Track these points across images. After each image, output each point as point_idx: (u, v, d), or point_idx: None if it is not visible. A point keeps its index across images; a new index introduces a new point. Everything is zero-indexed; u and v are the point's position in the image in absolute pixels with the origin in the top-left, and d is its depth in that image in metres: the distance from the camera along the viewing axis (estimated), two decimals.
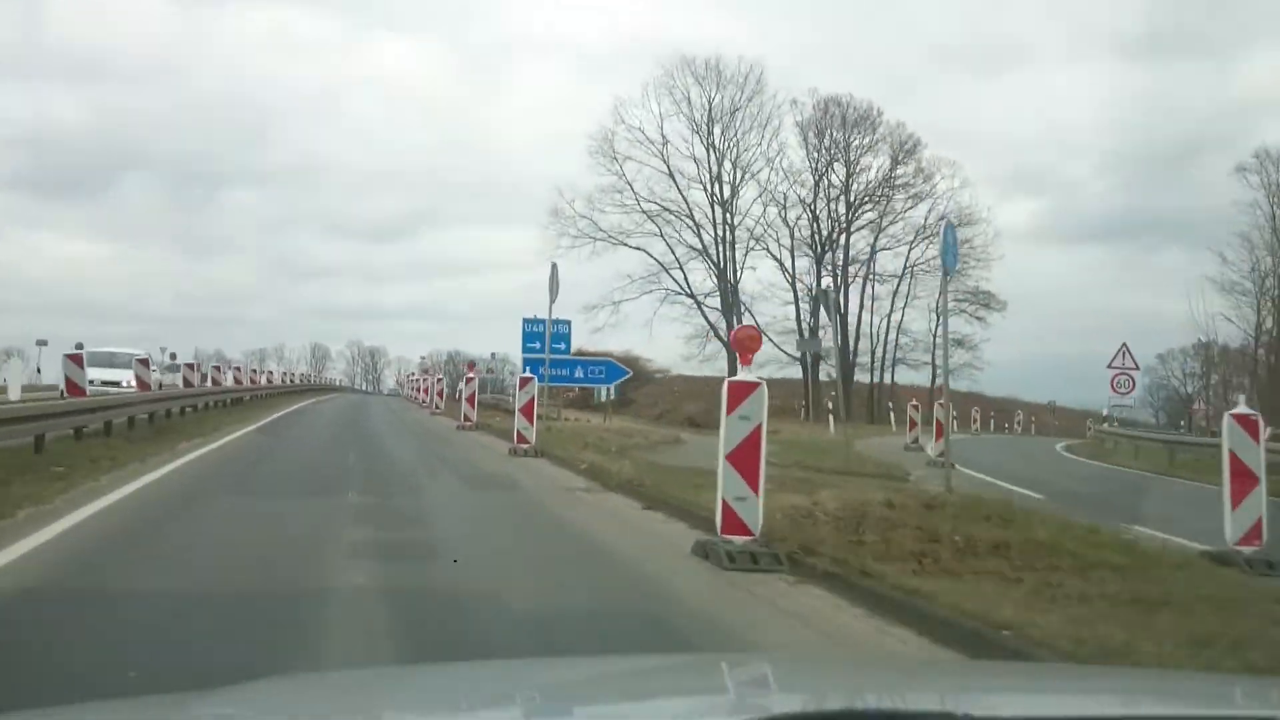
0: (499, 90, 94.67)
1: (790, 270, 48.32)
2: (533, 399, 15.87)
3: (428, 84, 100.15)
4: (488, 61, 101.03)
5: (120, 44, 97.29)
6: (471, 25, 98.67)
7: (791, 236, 48.34)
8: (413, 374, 65.06)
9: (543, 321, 21.35)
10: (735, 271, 47.14)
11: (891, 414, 36.24)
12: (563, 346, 22.77)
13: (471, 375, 23.66)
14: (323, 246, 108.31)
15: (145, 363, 20.90)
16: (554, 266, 18.90)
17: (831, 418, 31.76)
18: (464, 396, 22.96)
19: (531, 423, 15.45)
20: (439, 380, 36.45)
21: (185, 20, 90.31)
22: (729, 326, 45.05)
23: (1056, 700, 1.90)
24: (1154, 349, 50.60)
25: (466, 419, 21.94)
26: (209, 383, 25.94)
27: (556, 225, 45.92)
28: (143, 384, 19.54)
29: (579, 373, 24.09)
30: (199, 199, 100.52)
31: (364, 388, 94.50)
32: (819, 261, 48.29)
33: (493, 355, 48.96)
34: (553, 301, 18.96)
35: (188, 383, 22.75)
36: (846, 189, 48.23)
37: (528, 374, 18.73)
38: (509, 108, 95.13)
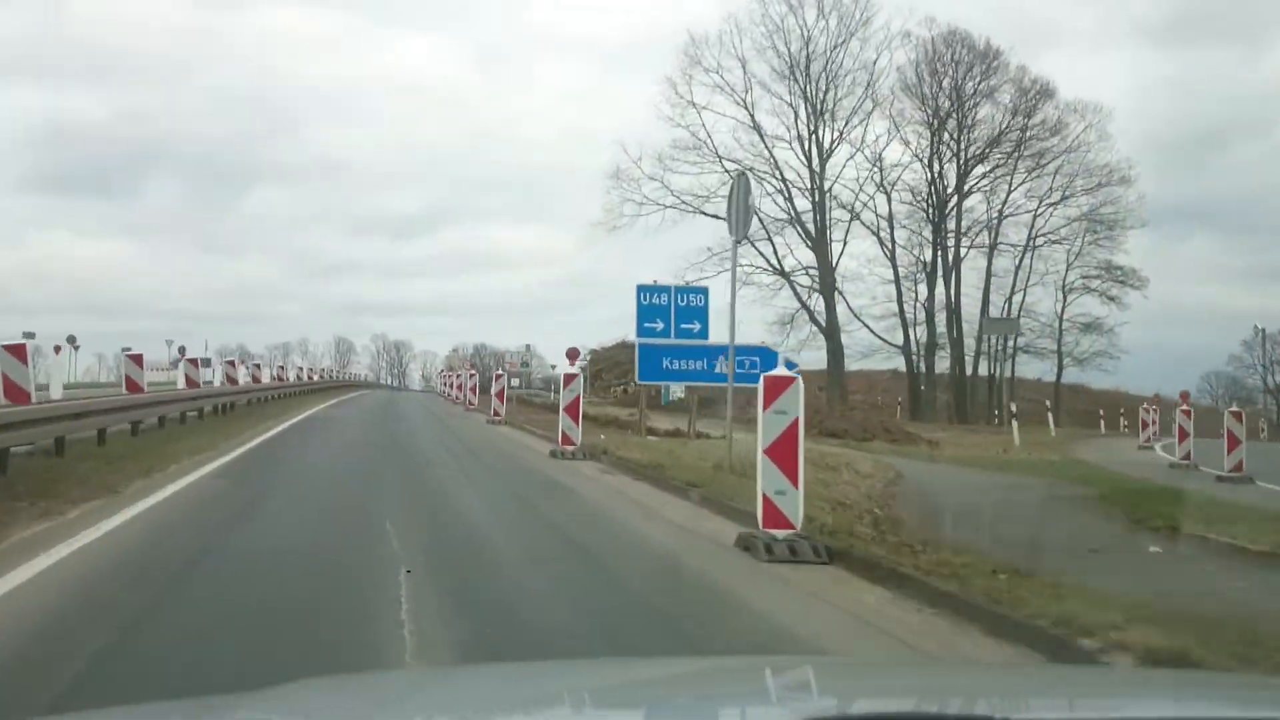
0: (521, 85, 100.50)
1: (890, 243, 40.09)
2: (578, 397, 14.30)
3: (450, 80, 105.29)
4: (509, 56, 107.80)
5: (143, 41, 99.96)
6: (492, 20, 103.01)
7: (889, 202, 40.05)
8: (444, 370, 65.03)
9: (665, 290, 15.66)
10: (829, 243, 38.76)
11: (1012, 413, 26.83)
12: (697, 327, 15.80)
13: (500, 373, 26.88)
14: (346, 242, 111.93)
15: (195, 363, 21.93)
16: (742, 179, 12.49)
17: (1051, 420, 29.67)
18: (493, 392, 25.22)
19: (577, 423, 14.10)
20: (472, 376, 36.25)
21: (208, 17, 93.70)
22: (828, 308, 37.84)
23: (1097, 704, 1.92)
24: (1184, 338, 49.10)
25: (495, 414, 23.82)
26: (222, 381, 26.22)
27: (619, 190, 37.26)
28: (190, 382, 20.22)
29: (716, 365, 15.03)
30: (223, 196, 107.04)
31: (389, 382, 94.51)
32: (936, 229, 39.65)
33: (527, 347, 46.00)
34: (743, 232, 12.39)
35: (231, 380, 24.93)
36: (958, 144, 39.80)
37: (573, 370, 16.69)
38: (531, 103, 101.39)
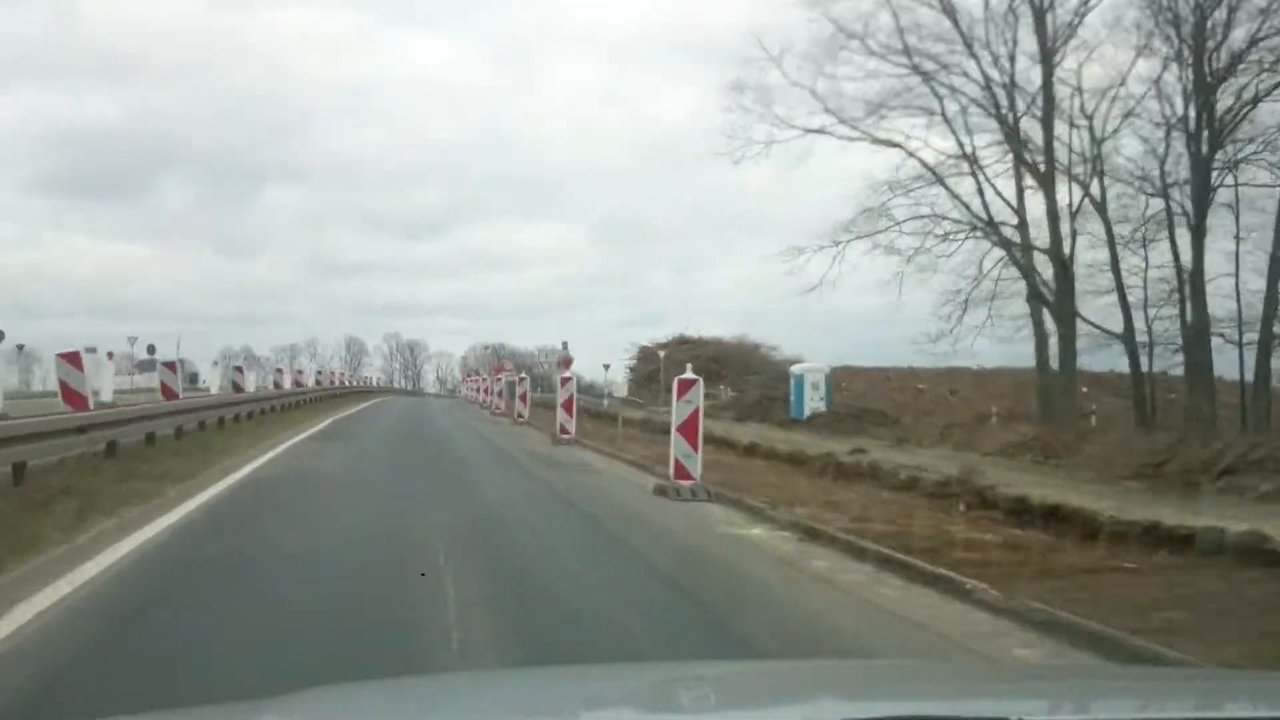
0: (534, 83, 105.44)
1: (1100, 192, 22.99)
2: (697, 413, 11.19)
3: (462, 78, 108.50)
4: (523, 54, 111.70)
5: (155, 42, 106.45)
6: (504, 18, 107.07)
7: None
8: (472, 374, 61.94)
9: None
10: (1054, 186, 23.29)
11: None
12: None
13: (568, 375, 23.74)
14: (360, 242, 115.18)
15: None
16: None
17: None
18: (559, 403, 20.89)
19: (696, 448, 11.01)
20: (521, 380, 31.21)
21: (222, 17, 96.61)
22: (1059, 282, 23.01)
23: (1112, 704, 1.96)
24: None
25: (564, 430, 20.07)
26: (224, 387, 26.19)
27: (740, 110, 23.66)
28: (168, 392, 18.65)
29: None
30: (235, 197, 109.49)
31: (403, 385, 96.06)
32: (1198, 165, 21.27)
33: (564, 345, 43.37)
34: None
35: (238, 387, 25.20)
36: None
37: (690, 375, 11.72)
38: (545, 100, 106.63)
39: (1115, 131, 22.98)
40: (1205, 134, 21.67)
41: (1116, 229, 23.03)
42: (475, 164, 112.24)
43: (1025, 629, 5.28)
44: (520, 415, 26.72)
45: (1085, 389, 26.25)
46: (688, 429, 10.92)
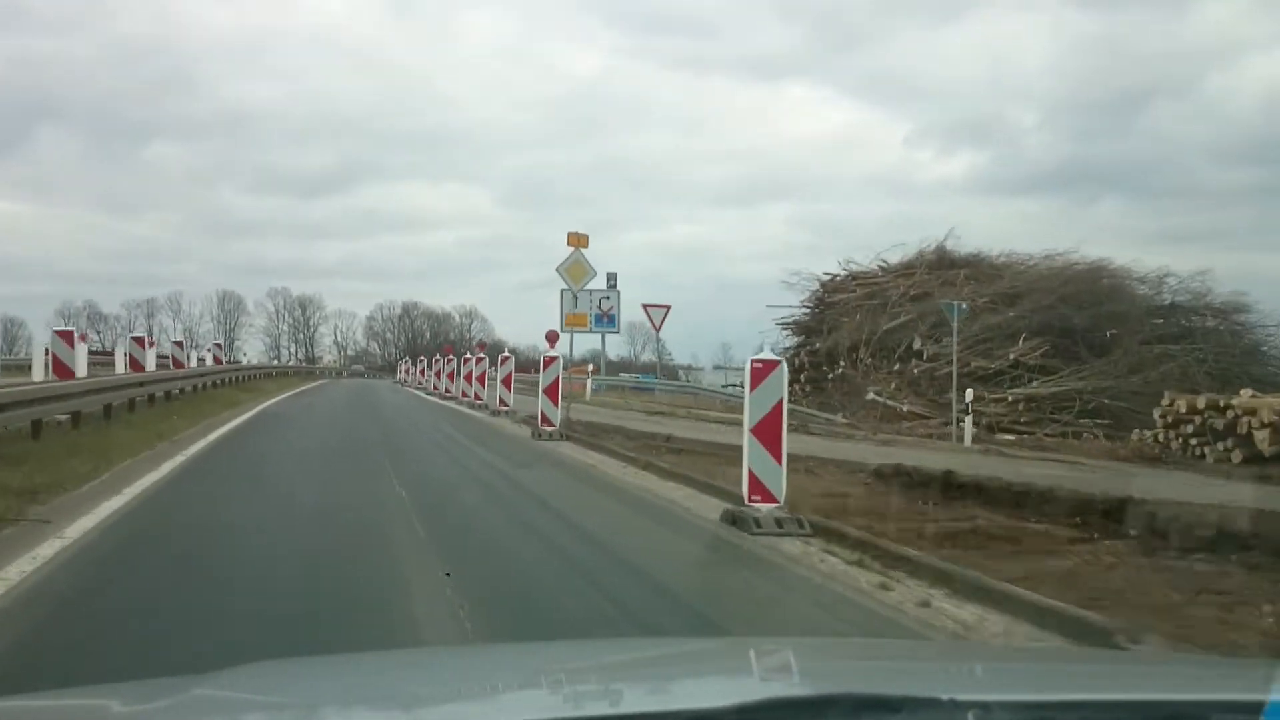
0: (438, 38, 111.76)
1: None
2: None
3: (362, 31, 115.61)
4: (426, 8, 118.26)
5: None
6: None
7: None
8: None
9: None
10: None
11: None
12: None
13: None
14: (250, 202, 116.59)
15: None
16: None
17: None
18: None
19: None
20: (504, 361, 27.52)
21: None
22: None
23: (1052, 683, 2.12)
24: None
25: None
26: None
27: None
28: None
29: None
30: (120, 152, 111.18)
31: (293, 357, 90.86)
32: None
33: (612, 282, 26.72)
34: None
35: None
36: None
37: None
38: (449, 57, 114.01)
39: None
40: None
41: None
42: (375, 122, 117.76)
43: None
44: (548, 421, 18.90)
45: None
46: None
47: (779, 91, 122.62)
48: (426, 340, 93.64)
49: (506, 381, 24.48)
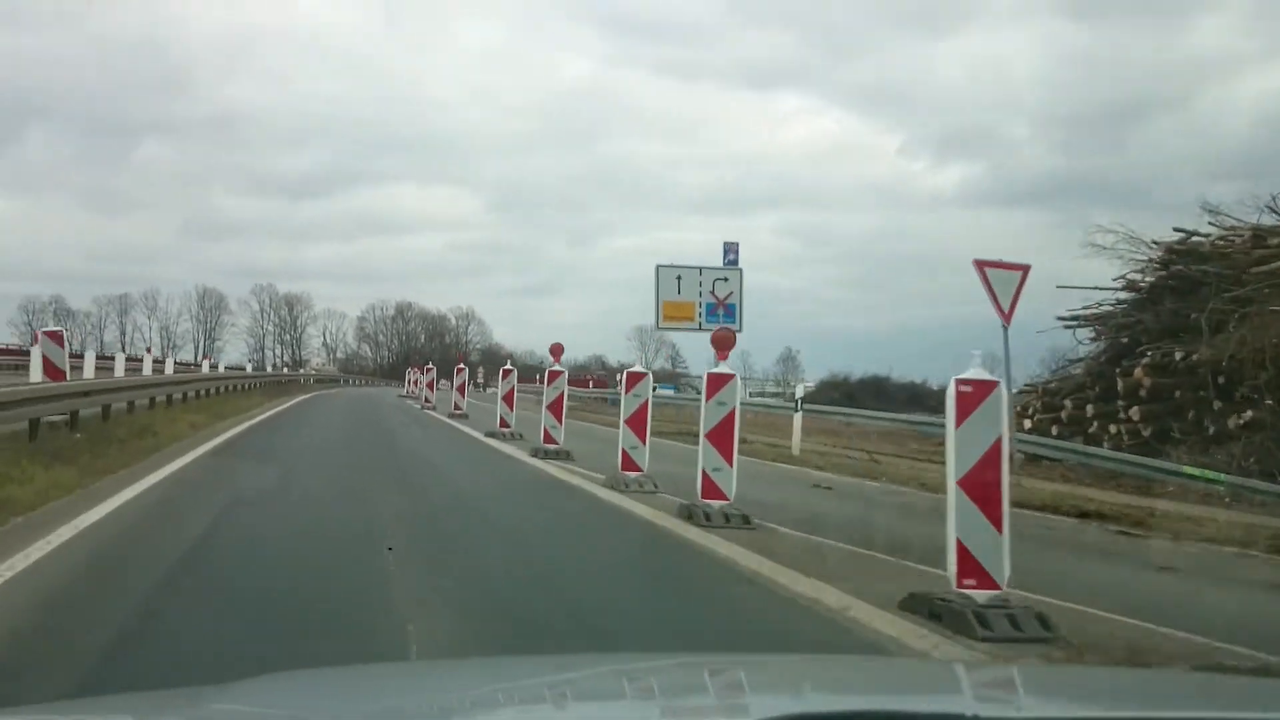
0: (428, 43, 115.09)
1: None
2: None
3: (353, 34, 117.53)
4: (417, 12, 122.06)
5: None
6: None
7: None
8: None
9: None
10: None
11: None
12: None
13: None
14: (238, 203, 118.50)
15: None
16: None
17: None
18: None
19: None
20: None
21: None
22: None
23: (1068, 703, 2.25)
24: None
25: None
26: None
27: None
28: None
29: None
30: (109, 152, 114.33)
31: (278, 355, 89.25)
32: None
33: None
34: None
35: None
36: None
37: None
38: (438, 61, 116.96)
39: None
40: None
41: None
42: (365, 125, 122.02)
43: None
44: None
45: None
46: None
47: (770, 100, 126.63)
48: (421, 344, 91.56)
49: (556, 409, 16.53)
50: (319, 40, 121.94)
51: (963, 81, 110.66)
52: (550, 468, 14.40)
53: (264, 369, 59.46)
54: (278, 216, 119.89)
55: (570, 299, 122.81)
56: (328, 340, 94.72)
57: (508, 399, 20.45)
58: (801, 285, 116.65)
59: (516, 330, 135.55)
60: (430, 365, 34.95)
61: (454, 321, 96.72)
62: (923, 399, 44.69)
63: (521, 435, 18.87)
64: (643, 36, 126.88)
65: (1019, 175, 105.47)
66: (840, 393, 44.69)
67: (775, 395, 51.97)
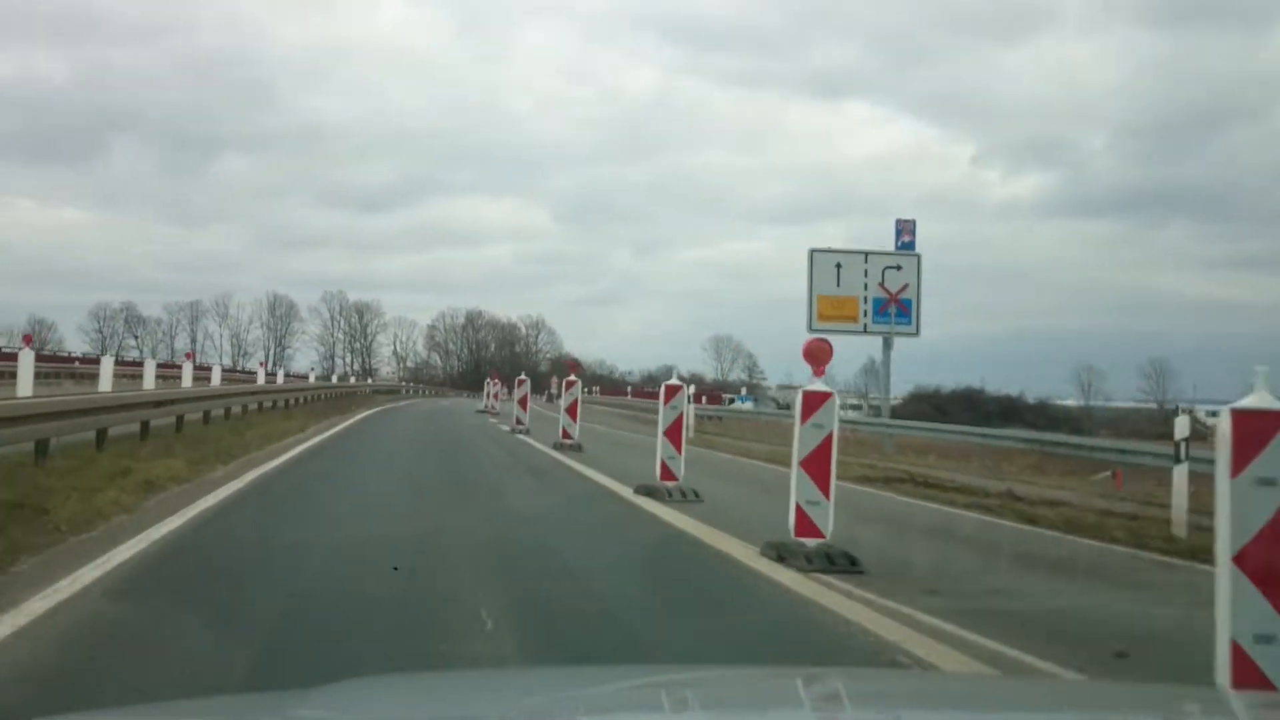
0: (499, 55, 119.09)
1: None
2: None
3: (426, 47, 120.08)
4: (489, 24, 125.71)
5: (110, 1, 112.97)
6: None
7: None
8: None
9: None
10: None
11: None
12: None
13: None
14: (313, 215, 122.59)
15: None
16: None
17: None
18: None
19: None
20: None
21: None
22: None
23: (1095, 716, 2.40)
24: (1153, 326, 49.18)
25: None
26: None
27: None
28: None
29: None
30: (190, 165, 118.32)
31: (348, 362, 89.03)
32: None
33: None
34: None
35: None
36: None
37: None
38: (509, 72, 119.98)
39: None
40: None
41: None
42: (437, 137, 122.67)
43: None
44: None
45: None
46: None
47: (839, 109, 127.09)
48: (491, 352, 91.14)
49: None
50: (393, 54, 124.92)
51: (1038, 90, 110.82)
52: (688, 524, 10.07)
53: (328, 378, 55.42)
54: (350, 227, 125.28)
55: (636, 309, 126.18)
56: (398, 349, 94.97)
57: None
58: None
59: (584, 340, 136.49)
60: (523, 377, 27.84)
61: (524, 330, 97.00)
62: (1020, 413, 41.89)
63: (581, 447, 18.88)
64: (709, 46, 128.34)
65: (1095, 185, 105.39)
66: (930, 405, 42.19)
67: (854, 408, 50.24)
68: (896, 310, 14.59)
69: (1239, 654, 4.66)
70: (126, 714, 2.52)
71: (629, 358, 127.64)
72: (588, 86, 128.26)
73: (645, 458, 13.05)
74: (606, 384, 74.50)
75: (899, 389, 62.03)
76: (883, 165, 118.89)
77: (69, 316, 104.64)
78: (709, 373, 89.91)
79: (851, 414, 39.81)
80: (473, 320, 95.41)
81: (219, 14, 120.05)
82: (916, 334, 17.90)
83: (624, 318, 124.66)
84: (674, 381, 12.68)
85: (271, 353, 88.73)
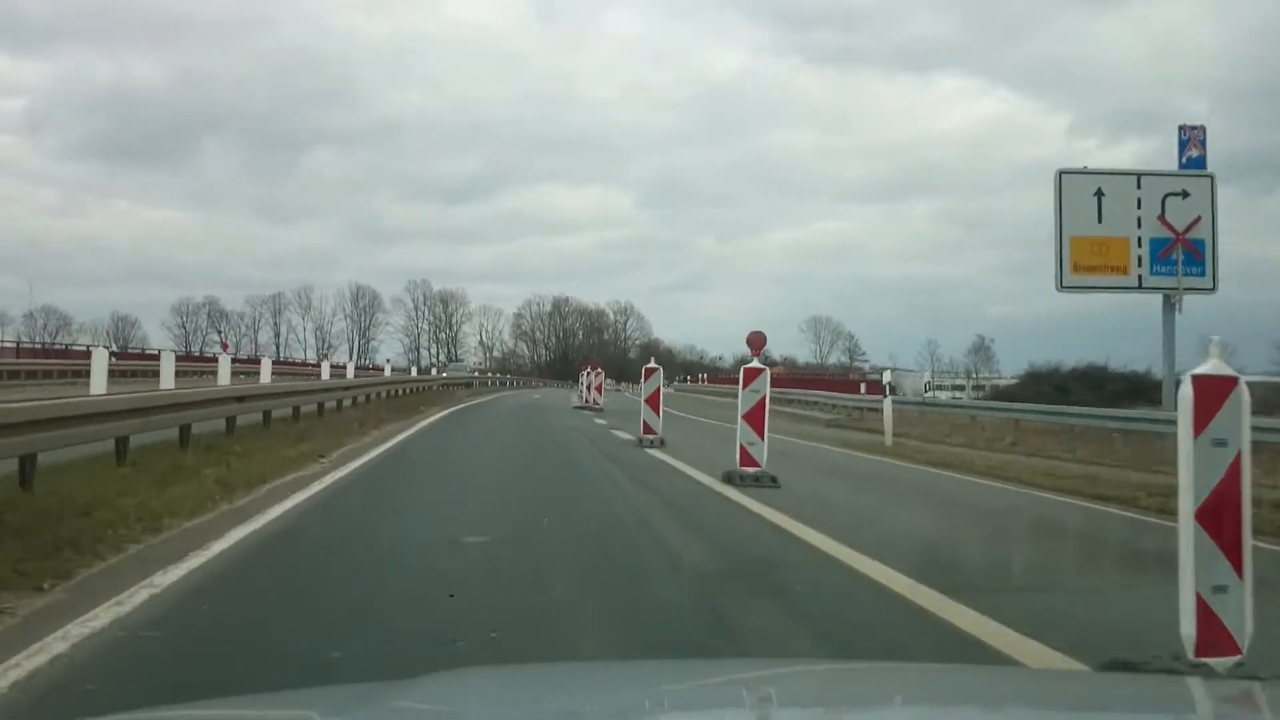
0: (580, 42, 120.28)
1: None
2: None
3: (508, 36, 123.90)
4: (567, 10, 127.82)
5: (200, 3, 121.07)
6: None
7: None
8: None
9: None
10: None
11: None
12: None
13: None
14: (399, 208, 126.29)
15: None
16: None
17: None
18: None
19: None
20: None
21: None
22: None
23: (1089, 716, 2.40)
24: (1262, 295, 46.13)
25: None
26: None
27: None
28: None
29: None
30: (278, 162, 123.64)
31: (435, 352, 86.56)
32: None
33: None
34: None
35: None
36: None
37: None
38: (590, 59, 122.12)
39: None
40: None
41: None
42: (518, 127, 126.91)
43: None
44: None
45: None
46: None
47: (929, 83, 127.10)
48: (579, 340, 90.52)
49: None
50: (474, 44, 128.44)
51: (1136, 56, 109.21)
52: None
53: (408, 370, 49.34)
54: (435, 219, 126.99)
55: (724, 292, 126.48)
56: (484, 338, 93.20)
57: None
58: (960, 272, 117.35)
59: (671, 325, 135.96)
60: (654, 364, 19.45)
61: (612, 316, 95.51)
62: (1148, 391, 36.59)
63: (664, 441, 16.78)
64: (794, 23, 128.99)
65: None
66: (1051, 385, 37.07)
67: (958, 389, 48.06)
68: (1186, 254, 10.70)
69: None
70: (225, 706, 2.53)
71: (719, 341, 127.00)
72: (669, 70, 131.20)
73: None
74: (711, 373, 74.10)
75: (1009, 368, 55.82)
76: (976, 138, 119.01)
77: (151, 314, 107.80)
78: (803, 356, 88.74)
79: (943, 395, 37.87)
80: (559, 307, 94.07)
81: (300, 12, 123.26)
82: (1213, 289, 12.97)
83: (712, 301, 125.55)
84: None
85: (355, 345, 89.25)
